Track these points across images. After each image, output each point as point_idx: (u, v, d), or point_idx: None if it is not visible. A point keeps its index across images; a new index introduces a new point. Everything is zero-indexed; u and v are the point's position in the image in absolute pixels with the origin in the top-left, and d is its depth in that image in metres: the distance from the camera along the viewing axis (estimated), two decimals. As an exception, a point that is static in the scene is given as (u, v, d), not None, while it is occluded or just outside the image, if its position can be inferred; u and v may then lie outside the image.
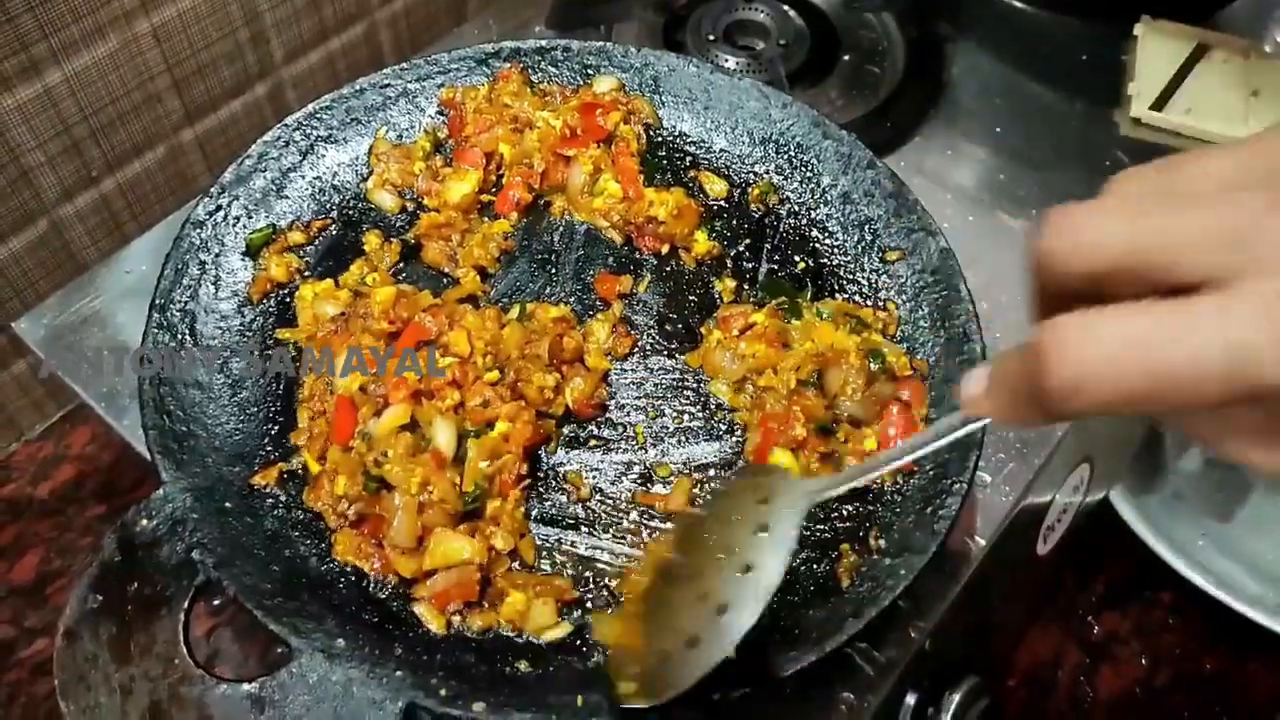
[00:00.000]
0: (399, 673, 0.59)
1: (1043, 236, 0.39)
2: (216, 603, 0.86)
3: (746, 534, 0.57)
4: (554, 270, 0.81)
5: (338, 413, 0.68)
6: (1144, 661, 0.95)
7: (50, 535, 0.95)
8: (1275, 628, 0.89)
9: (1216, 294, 0.34)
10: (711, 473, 0.72)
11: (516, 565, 0.67)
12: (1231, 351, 0.34)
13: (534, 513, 0.70)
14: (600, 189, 0.82)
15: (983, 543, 0.74)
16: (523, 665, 0.62)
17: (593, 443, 0.73)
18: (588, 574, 0.67)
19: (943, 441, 0.50)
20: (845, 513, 0.70)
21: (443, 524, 0.65)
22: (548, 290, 0.80)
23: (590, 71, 0.89)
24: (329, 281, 0.77)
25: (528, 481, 0.69)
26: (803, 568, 0.67)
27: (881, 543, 0.67)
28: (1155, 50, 1.04)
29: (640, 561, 0.67)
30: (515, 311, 0.76)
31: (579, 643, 0.64)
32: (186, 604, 0.62)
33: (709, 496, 0.70)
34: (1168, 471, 1.04)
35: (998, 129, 1.01)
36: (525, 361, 0.71)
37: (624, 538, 0.69)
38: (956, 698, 0.74)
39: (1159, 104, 1.00)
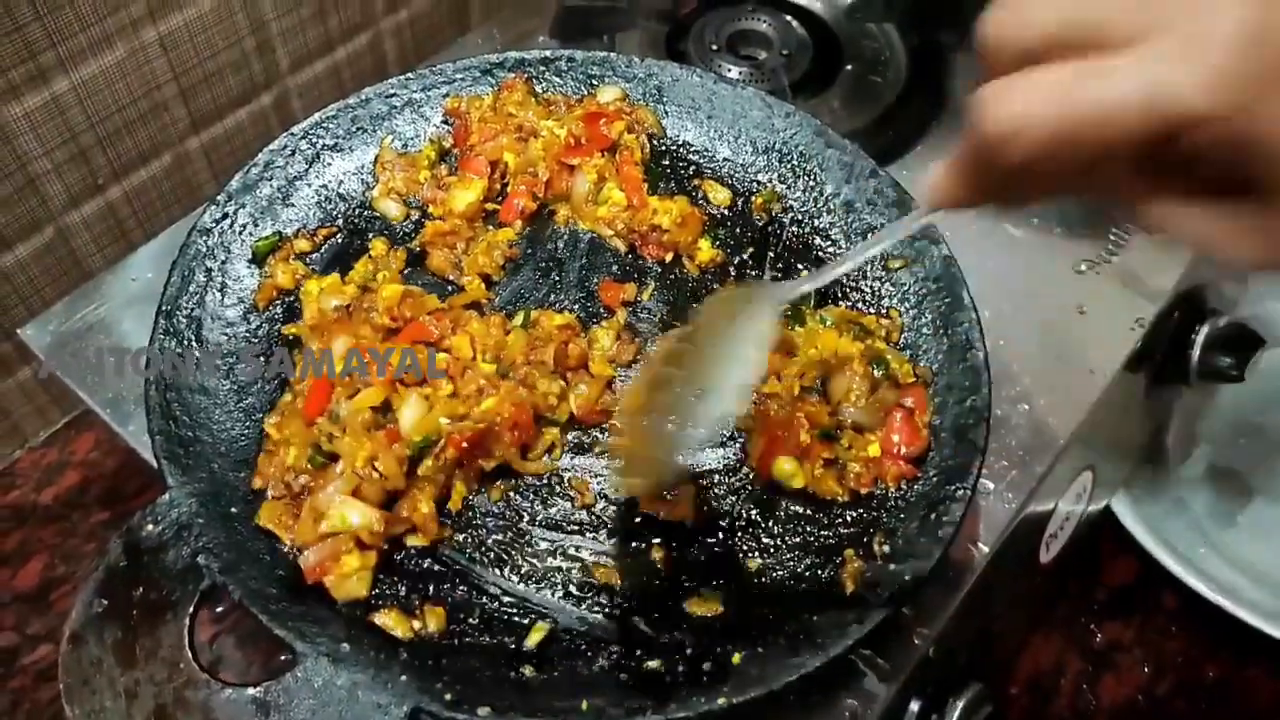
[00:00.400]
0: (403, 677, 0.60)
1: (992, 12, 0.42)
2: (220, 609, 0.86)
3: (728, 337, 0.62)
4: (558, 278, 0.82)
5: (312, 391, 0.69)
6: (1146, 669, 0.95)
7: (54, 541, 0.95)
8: (1277, 634, 0.89)
9: (1134, 46, 0.38)
10: (716, 479, 0.72)
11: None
12: (1147, 84, 0.37)
13: (538, 518, 0.70)
14: (604, 198, 0.82)
15: (986, 550, 0.74)
16: (527, 670, 0.62)
17: (597, 449, 0.73)
18: (591, 580, 0.67)
19: (903, 234, 0.54)
20: (849, 518, 0.70)
21: (376, 501, 0.65)
22: (552, 298, 0.81)
23: (594, 81, 0.89)
24: (335, 277, 0.77)
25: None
26: (807, 573, 0.68)
27: (886, 549, 0.67)
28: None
29: (634, 381, 0.70)
30: (520, 319, 0.76)
31: (583, 648, 0.64)
32: (191, 609, 0.63)
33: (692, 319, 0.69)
34: (1170, 479, 1.04)
35: (999, 138, 1.01)
36: (530, 368, 0.71)
37: (628, 543, 0.69)
38: (960, 705, 0.73)
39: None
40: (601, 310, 0.80)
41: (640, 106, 0.88)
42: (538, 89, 0.89)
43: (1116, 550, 0.99)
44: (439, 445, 0.66)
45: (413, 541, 0.67)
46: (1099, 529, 0.98)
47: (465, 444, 0.67)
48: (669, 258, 0.83)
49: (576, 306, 0.80)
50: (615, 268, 0.83)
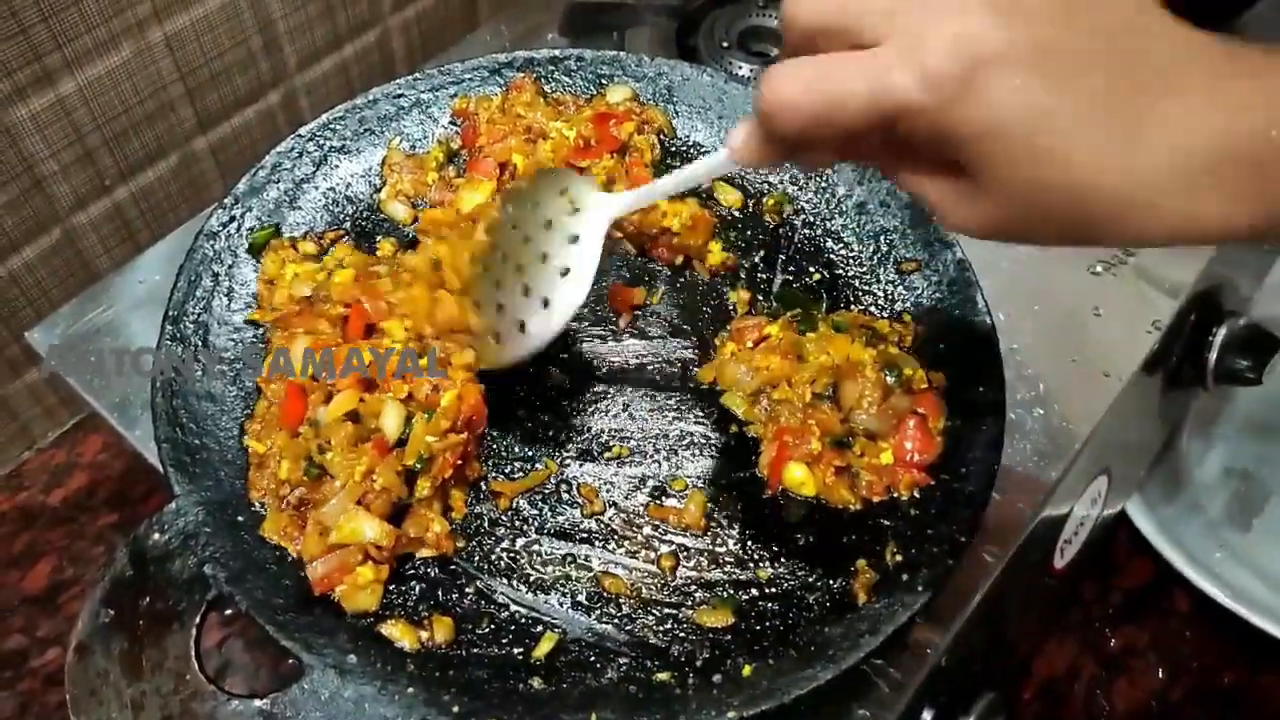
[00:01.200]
0: (411, 689, 0.59)
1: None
2: (228, 613, 0.86)
3: (561, 241, 0.70)
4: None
5: (287, 398, 0.68)
6: (1160, 674, 0.95)
7: (62, 544, 0.95)
8: (1293, 641, 0.88)
9: (878, 44, 0.47)
10: (726, 486, 0.72)
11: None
12: (873, 80, 0.46)
13: (546, 526, 0.69)
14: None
15: (1000, 557, 0.73)
16: (536, 682, 0.62)
17: (606, 456, 0.73)
18: (600, 590, 0.67)
19: (705, 176, 0.63)
20: (861, 526, 0.69)
21: (382, 514, 0.65)
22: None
23: (604, 80, 0.88)
24: (311, 265, 0.77)
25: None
26: (818, 583, 0.67)
27: (899, 558, 0.66)
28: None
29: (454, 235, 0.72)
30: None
31: (592, 659, 0.64)
32: (198, 619, 0.62)
33: (513, 192, 0.73)
34: (1185, 482, 1.03)
35: (1014, 136, 1.00)
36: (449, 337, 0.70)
37: (638, 552, 0.68)
38: (974, 715, 0.73)
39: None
40: (610, 314, 0.79)
41: (650, 107, 0.87)
42: (546, 89, 0.88)
43: (1131, 553, 0.98)
44: (434, 464, 0.66)
45: (421, 552, 0.67)
46: (1113, 532, 0.97)
47: (457, 461, 0.67)
48: (679, 260, 0.82)
49: (586, 310, 0.79)
50: (625, 271, 0.82)
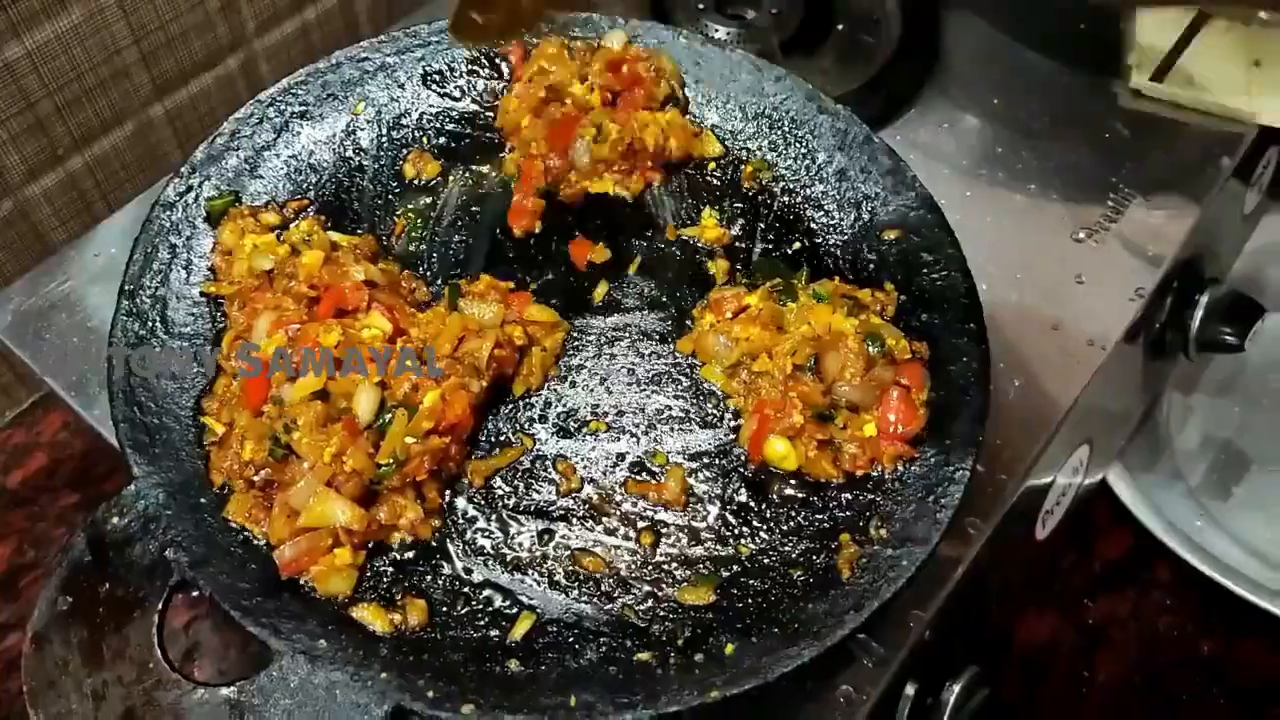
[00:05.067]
0: (384, 675, 0.57)
1: None
2: (195, 594, 0.84)
3: None
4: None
5: (250, 377, 0.66)
6: (1142, 644, 0.94)
7: (23, 526, 0.93)
8: (1272, 609, 0.88)
9: None
10: (706, 461, 0.70)
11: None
12: None
13: (522, 505, 0.68)
14: (604, 137, 0.78)
15: (983, 529, 0.72)
16: (513, 664, 0.60)
17: (583, 431, 0.71)
18: (578, 568, 0.65)
19: None
20: (845, 501, 0.68)
21: (353, 496, 0.62)
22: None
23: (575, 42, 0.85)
24: (271, 236, 0.74)
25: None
26: (801, 559, 0.65)
27: (883, 533, 0.65)
28: (1156, 20, 1.02)
29: None
30: (447, 294, 0.72)
31: (571, 640, 0.62)
32: (161, 605, 0.60)
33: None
34: (1165, 451, 1.03)
35: (995, 100, 0.98)
36: (455, 362, 0.67)
37: (616, 530, 0.67)
38: (957, 688, 0.72)
39: (1159, 74, 0.97)
40: (585, 285, 0.77)
41: (661, 54, 0.84)
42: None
43: (1111, 522, 0.98)
44: (408, 464, 0.63)
45: (394, 538, 0.65)
46: (1094, 503, 0.96)
47: (432, 467, 0.65)
48: (658, 181, 0.80)
49: (558, 282, 0.77)
50: (603, 231, 0.79)
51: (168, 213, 0.74)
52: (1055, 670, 0.93)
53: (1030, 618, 0.95)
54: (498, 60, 0.85)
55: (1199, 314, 0.92)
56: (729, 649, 0.61)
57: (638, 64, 0.81)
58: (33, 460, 0.96)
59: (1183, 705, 0.92)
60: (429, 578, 0.64)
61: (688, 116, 0.84)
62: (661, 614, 0.63)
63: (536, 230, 0.79)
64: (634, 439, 0.71)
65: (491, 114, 0.84)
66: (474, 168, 0.82)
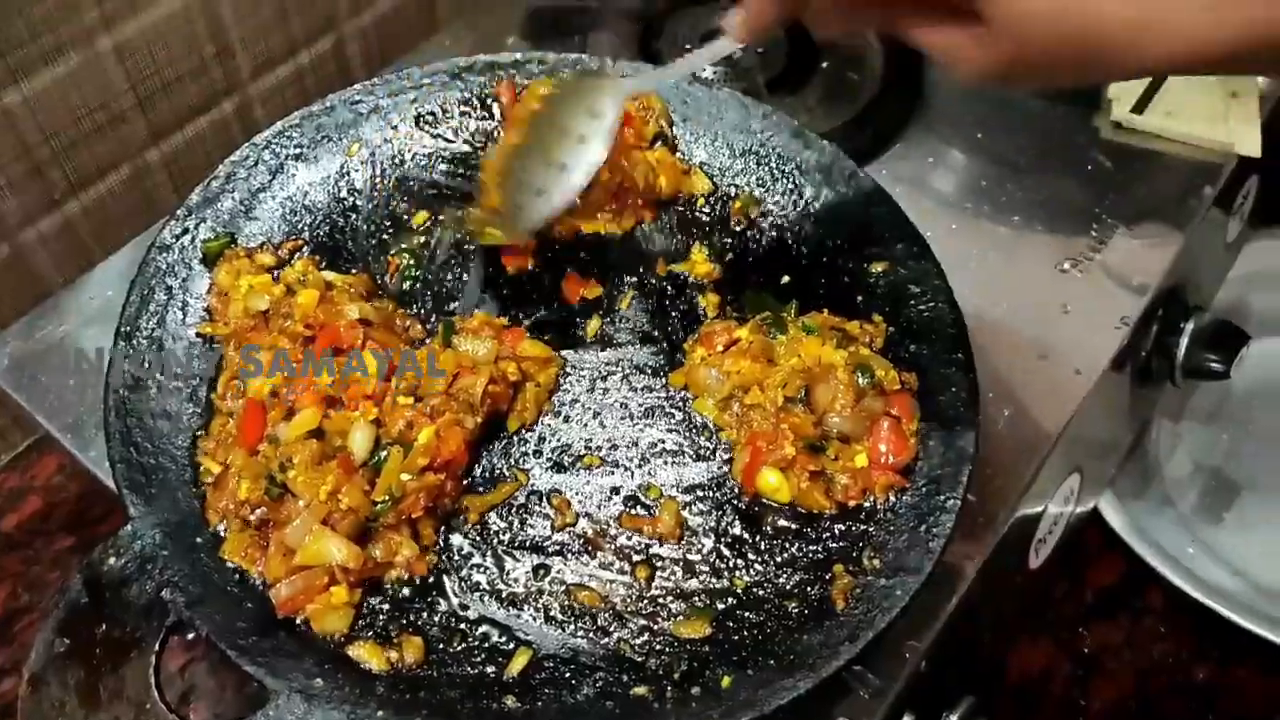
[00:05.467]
0: (381, 713, 0.58)
1: None
2: (191, 636, 0.84)
3: (582, 117, 0.76)
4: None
5: (246, 416, 0.66)
6: (1136, 671, 0.94)
7: (18, 570, 0.92)
8: (1265, 634, 0.88)
9: None
10: (699, 494, 0.70)
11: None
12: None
13: (517, 540, 0.68)
14: (595, 179, 0.78)
15: (975, 559, 0.73)
16: (510, 701, 0.60)
17: (577, 466, 0.71)
18: (573, 603, 0.65)
19: (710, 56, 0.73)
20: (838, 532, 0.68)
21: (349, 534, 0.63)
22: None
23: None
24: (266, 276, 0.75)
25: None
26: (796, 590, 0.66)
27: (876, 563, 0.66)
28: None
29: (494, 148, 0.80)
30: (441, 332, 0.73)
31: (567, 675, 0.62)
32: (158, 646, 0.60)
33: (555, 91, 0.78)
34: (1155, 478, 1.04)
35: (979, 134, 1.00)
36: (449, 400, 0.68)
37: (611, 564, 0.67)
38: (954, 719, 0.72)
39: (1139, 107, 0.99)
40: (577, 321, 0.78)
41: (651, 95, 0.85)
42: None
43: (1103, 550, 0.98)
44: (403, 502, 0.64)
45: (390, 575, 0.65)
46: (1086, 531, 0.97)
47: (428, 504, 0.65)
48: (649, 218, 0.82)
49: (551, 318, 0.78)
50: (594, 269, 0.80)
51: (164, 255, 0.75)
52: (1051, 699, 0.93)
53: (1024, 646, 0.95)
54: (489, 101, 0.87)
55: (1184, 342, 0.93)
56: (725, 682, 0.61)
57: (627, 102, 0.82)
58: (27, 504, 0.96)
59: (1178, 732, 0.92)
60: (425, 615, 0.64)
61: (677, 155, 0.85)
62: (658, 648, 0.63)
63: (530, 267, 0.80)
64: (628, 473, 0.71)
65: (482, 154, 0.85)
66: (467, 207, 0.83)
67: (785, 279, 0.80)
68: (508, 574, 0.66)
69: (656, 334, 0.78)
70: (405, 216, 0.82)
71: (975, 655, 0.89)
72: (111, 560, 0.62)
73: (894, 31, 0.58)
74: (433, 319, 0.77)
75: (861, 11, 0.63)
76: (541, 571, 0.66)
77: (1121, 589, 0.98)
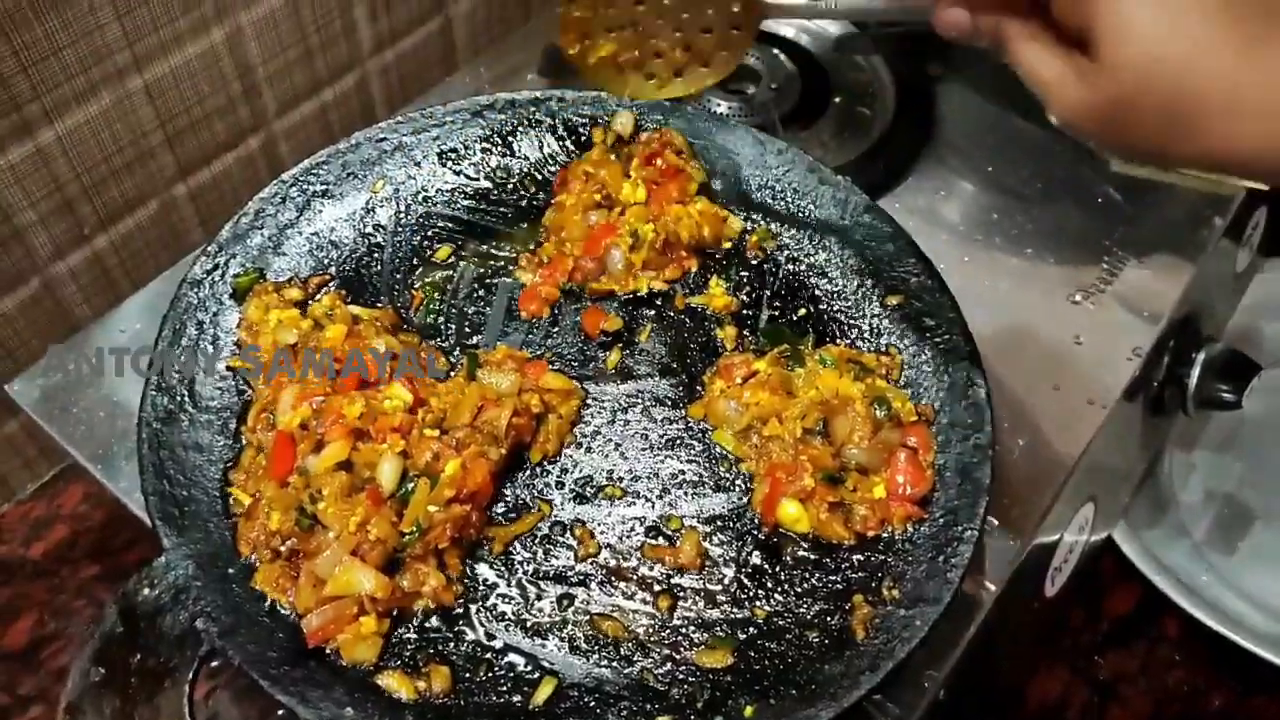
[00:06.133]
0: (410, 741, 0.58)
1: None
2: (215, 664, 0.85)
3: None
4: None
5: (276, 448, 0.67)
6: (1152, 700, 0.95)
7: (44, 598, 0.93)
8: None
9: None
10: (720, 524, 0.71)
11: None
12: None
13: (541, 570, 0.69)
14: (641, 242, 0.80)
15: (992, 588, 0.73)
16: (536, 730, 0.61)
17: (599, 497, 0.72)
18: (597, 633, 0.66)
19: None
20: (857, 562, 0.69)
21: (377, 564, 0.64)
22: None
23: (583, 126, 0.89)
24: (294, 311, 0.76)
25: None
26: (816, 620, 0.67)
27: (895, 593, 0.66)
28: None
29: None
30: (465, 366, 0.74)
31: (592, 704, 0.63)
32: (191, 675, 0.61)
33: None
34: (1169, 507, 1.04)
35: (989, 167, 1.01)
36: (474, 432, 0.69)
37: (634, 594, 0.68)
38: (972, 747, 0.73)
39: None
40: (598, 354, 0.79)
41: (667, 129, 0.87)
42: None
43: (1118, 578, 0.98)
44: (430, 533, 0.65)
45: (417, 604, 0.66)
46: (1101, 559, 0.97)
47: (455, 535, 0.66)
48: (694, 267, 0.82)
49: (571, 351, 0.79)
50: (615, 303, 0.82)
51: (195, 290, 0.76)
52: (1068, 729, 0.94)
53: (1041, 675, 0.96)
54: (508, 138, 0.88)
55: (1196, 372, 0.94)
56: (748, 711, 0.62)
57: (669, 154, 0.84)
58: (53, 532, 0.97)
59: (1196, 761, 0.92)
60: (452, 644, 0.65)
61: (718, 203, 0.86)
62: (680, 677, 0.64)
63: (545, 316, 0.81)
64: (649, 504, 0.72)
65: (503, 190, 0.87)
66: (490, 243, 0.84)
67: (802, 311, 0.82)
68: (532, 604, 0.67)
69: (675, 366, 0.79)
70: (428, 251, 0.84)
71: (993, 684, 0.90)
72: (146, 591, 0.63)
73: (1003, 48, 0.58)
74: (456, 351, 0.78)
75: (985, 14, 0.61)
76: (566, 601, 0.67)
77: (1137, 617, 0.98)
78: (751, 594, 0.68)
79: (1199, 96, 0.51)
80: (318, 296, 0.79)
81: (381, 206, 0.85)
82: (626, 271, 0.81)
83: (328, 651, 0.63)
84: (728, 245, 0.85)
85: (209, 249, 0.78)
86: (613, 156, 0.85)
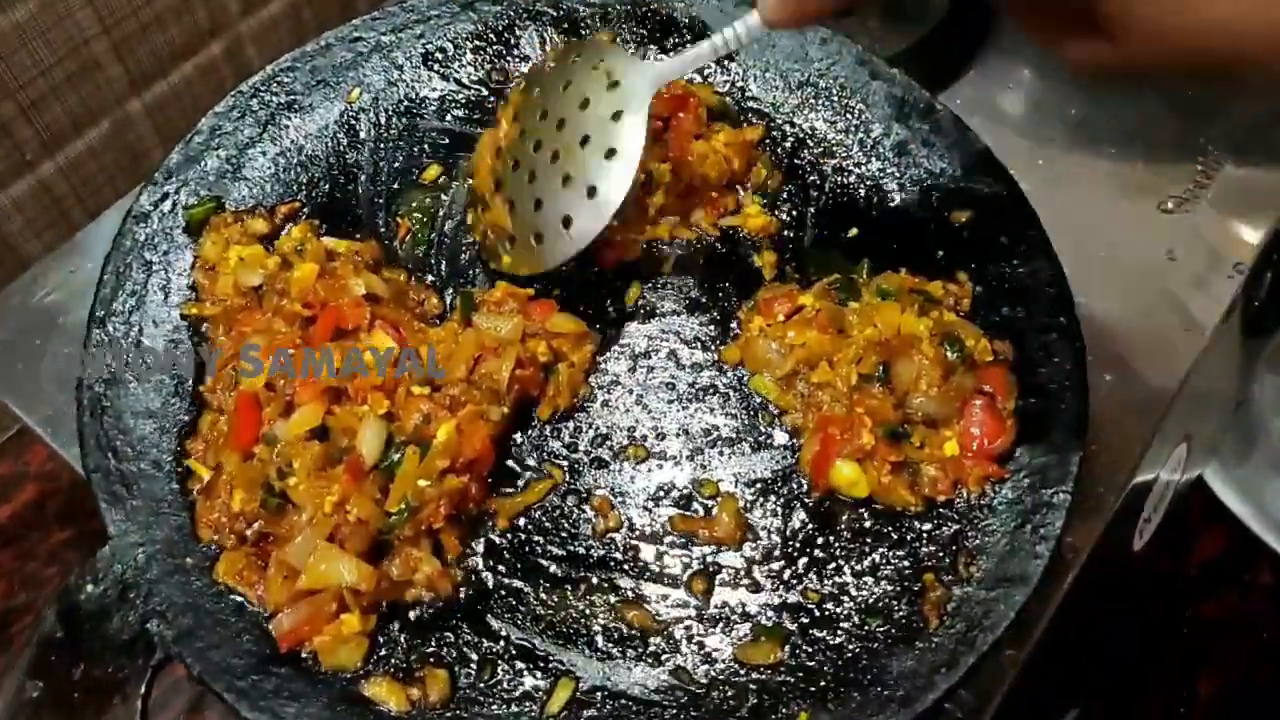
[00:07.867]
0: (402, 765, 0.50)
1: None
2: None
3: (604, 119, 0.62)
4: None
5: (238, 413, 0.59)
6: (1244, 655, 0.86)
7: (12, 566, 0.86)
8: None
9: None
10: (763, 488, 0.61)
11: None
12: None
13: (553, 549, 0.60)
14: (657, 183, 0.69)
15: (1081, 550, 0.64)
16: (538, 743, 0.53)
17: (620, 459, 0.63)
18: (621, 624, 0.57)
19: (737, 37, 0.61)
20: (926, 534, 0.60)
21: (359, 550, 0.55)
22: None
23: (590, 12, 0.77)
24: (259, 247, 0.67)
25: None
26: (880, 604, 0.58)
27: (973, 571, 0.57)
28: None
29: (477, 145, 0.70)
30: (460, 308, 0.64)
31: (617, 711, 0.55)
32: (144, 688, 0.53)
33: (537, 73, 0.68)
34: (1261, 439, 0.94)
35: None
36: (471, 387, 0.60)
37: (663, 576, 0.59)
38: (1059, 738, 0.64)
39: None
40: (617, 286, 0.69)
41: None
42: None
43: (1204, 523, 0.89)
44: (421, 511, 0.56)
45: (409, 595, 0.57)
46: (1188, 502, 0.88)
47: (451, 511, 0.57)
48: (731, 204, 0.72)
49: (585, 287, 0.69)
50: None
51: (141, 225, 0.66)
52: (1157, 690, 0.85)
53: (1127, 640, 0.87)
54: (505, 35, 0.76)
55: (1309, 286, 0.83)
56: (802, 718, 0.53)
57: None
58: (21, 492, 0.89)
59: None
60: (450, 643, 0.57)
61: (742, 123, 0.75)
62: (720, 677, 0.56)
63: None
64: (678, 466, 0.63)
65: (500, 97, 0.75)
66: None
67: (853, 232, 0.71)
68: (544, 591, 0.58)
69: (706, 301, 0.69)
70: (415, 171, 0.74)
71: (1079, 659, 0.81)
72: (89, 588, 0.55)
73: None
74: (449, 290, 0.68)
75: None
76: (583, 587, 0.59)
77: (1226, 564, 0.89)
78: (801, 574, 0.59)
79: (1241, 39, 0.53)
80: (286, 229, 0.69)
81: (358, 119, 0.74)
82: (641, 217, 0.69)
83: (304, 656, 0.55)
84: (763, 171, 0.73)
85: (156, 176, 0.68)
86: None
